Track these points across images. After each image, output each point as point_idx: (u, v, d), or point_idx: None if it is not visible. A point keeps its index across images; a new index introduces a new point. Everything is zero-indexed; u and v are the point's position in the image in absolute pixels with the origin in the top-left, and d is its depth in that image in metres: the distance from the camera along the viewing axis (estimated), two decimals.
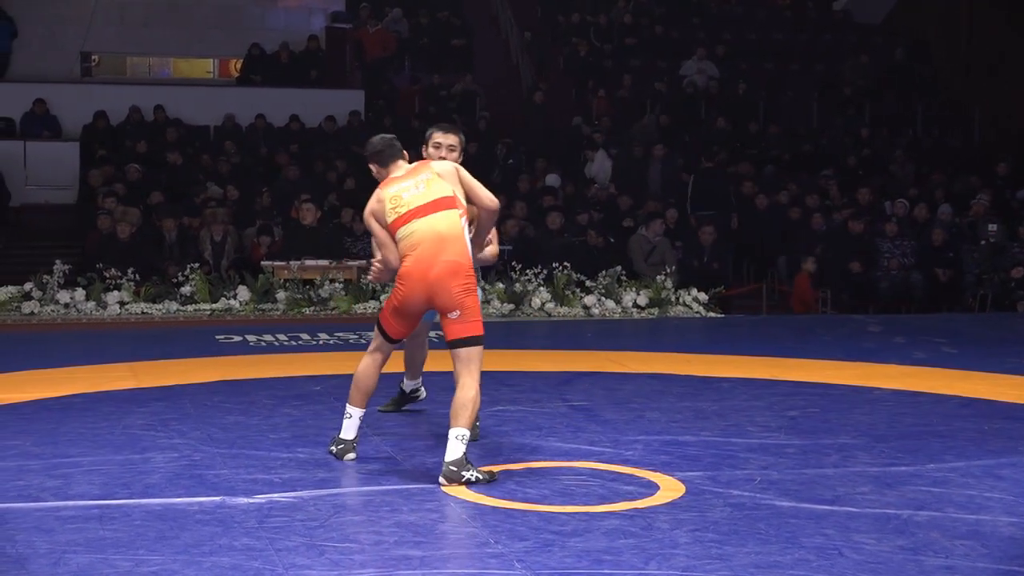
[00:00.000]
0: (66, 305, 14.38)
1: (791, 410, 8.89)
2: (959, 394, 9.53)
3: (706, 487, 6.73)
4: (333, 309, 14.61)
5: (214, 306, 14.65)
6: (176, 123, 20.78)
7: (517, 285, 14.76)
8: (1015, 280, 16.55)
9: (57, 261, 14.82)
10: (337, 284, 14.82)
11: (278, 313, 14.57)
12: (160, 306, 14.51)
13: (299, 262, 15.10)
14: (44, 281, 14.59)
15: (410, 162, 7.49)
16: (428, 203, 7.17)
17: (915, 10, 26.17)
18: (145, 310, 14.48)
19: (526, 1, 25.36)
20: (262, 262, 15.32)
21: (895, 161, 21.03)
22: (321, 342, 12.32)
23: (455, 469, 6.76)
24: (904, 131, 22.89)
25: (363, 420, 7.48)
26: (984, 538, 5.89)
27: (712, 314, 15.03)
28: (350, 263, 15.31)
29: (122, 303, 14.51)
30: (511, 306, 14.63)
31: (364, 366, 7.50)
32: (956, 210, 18.68)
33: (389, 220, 7.22)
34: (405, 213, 7.17)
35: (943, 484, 6.83)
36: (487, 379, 10.01)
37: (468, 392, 7.06)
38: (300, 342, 12.33)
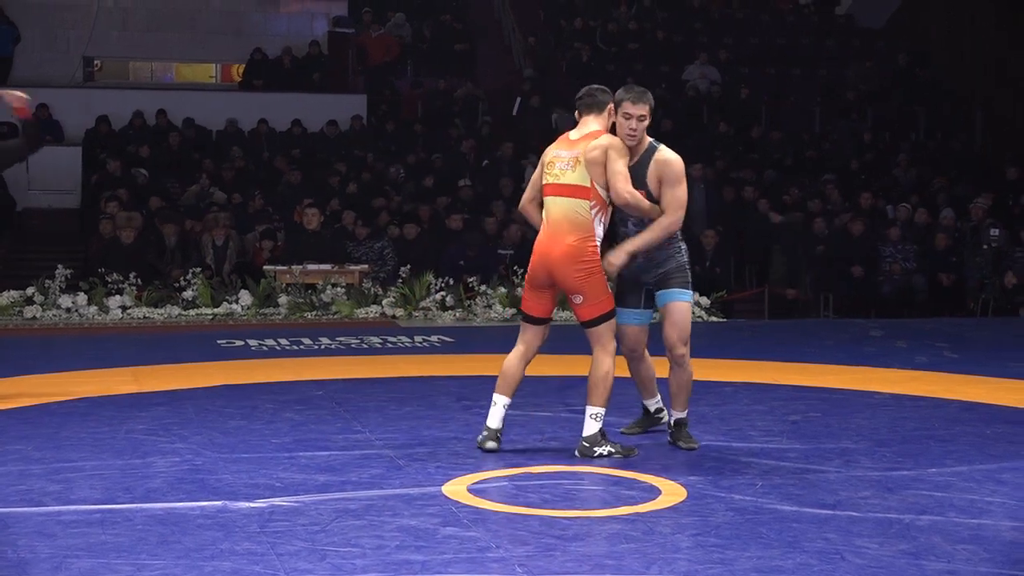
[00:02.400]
0: (68, 310, 14.39)
1: (793, 414, 8.90)
2: (960, 398, 9.53)
3: (708, 491, 6.73)
4: (335, 314, 14.61)
5: (216, 310, 14.66)
6: (178, 128, 20.79)
7: (519, 289, 14.76)
8: (1013, 286, 16.55)
9: (59, 266, 14.83)
10: (339, 288, 14.82)
11: (280, 317, 14.58)
12: (162, 310, 14.52)
13: (301, 266, 15.11)
14: (46, 286, 14.60)
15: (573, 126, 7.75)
16: (563, 186, 7.37)
17: (918, 14, 26.18)
18: (147, 314, 14.49)
19: (529, 6, 25.37)
20: (264, 266, 15.33)
21: (898, 165, 21.04)
22: (323, 347, 12.32)
23: (588, 445, 7.24)
24: (907, 135, 22.90)
25: (508, 409, 7.65)
26: (986, 542, 5.88)
27: (714, 318, 15.03)
28: (352, 267, 15.32)
29: (124, 307, 14.52)
30: (513, 310, 14.63)
31: (510, 355, 7.67)
32: (958, 214, 18.68)
33: (543, 181, 7.48)
34: (548, 185, 7.47)
35: (945, 488, 6.83)
36: (490, 383, 10.03)
37: (600, 368, 7.42)
38: (302, 346, 12.33)
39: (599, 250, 7.41)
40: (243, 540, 5.82)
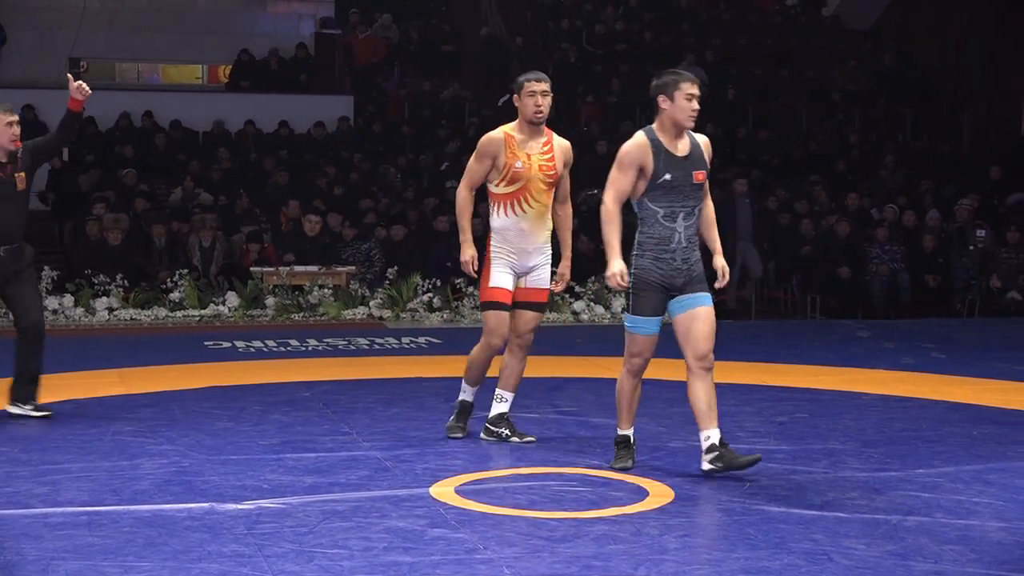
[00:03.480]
0: (55, 311, 14.35)
1: (780, 415, 8.91)
2: (947, 399, 9.55)
3: (695, 492, 6.73)
4: (322, 315, 14.60)
5: (203, 312, 14.64)
6: (165, 129, 20.74)
7: None
8: (996, 288, 16.58)
9: (45, 267, 14.80)
10: (326, 290, 14.81)
11: (267, 319, 14.56)
12: (149, 312, 14.49)
13: (288, 268, 15.09)
14: None
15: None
16: None
17: (904, 16, 26.22)
18: (134, 316, 14.46)
19: (516, 7, 25.36)
20: (251, 268, 15.31)
21: (885, 166, 21.06)
22: (310, 348, 12.31)
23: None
24: (893, 136, 22.92)
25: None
26: (973, 543, 5.89)
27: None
28: (339, 269, 15.30)
29: (111, 309, 14.49)
30: None
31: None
32: (944, 215, 18.70)
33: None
34: None
35: (932, 489, 6.84)
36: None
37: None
38: (289, 348, 12.32)
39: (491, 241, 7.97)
40: (230, 542, 5.82)
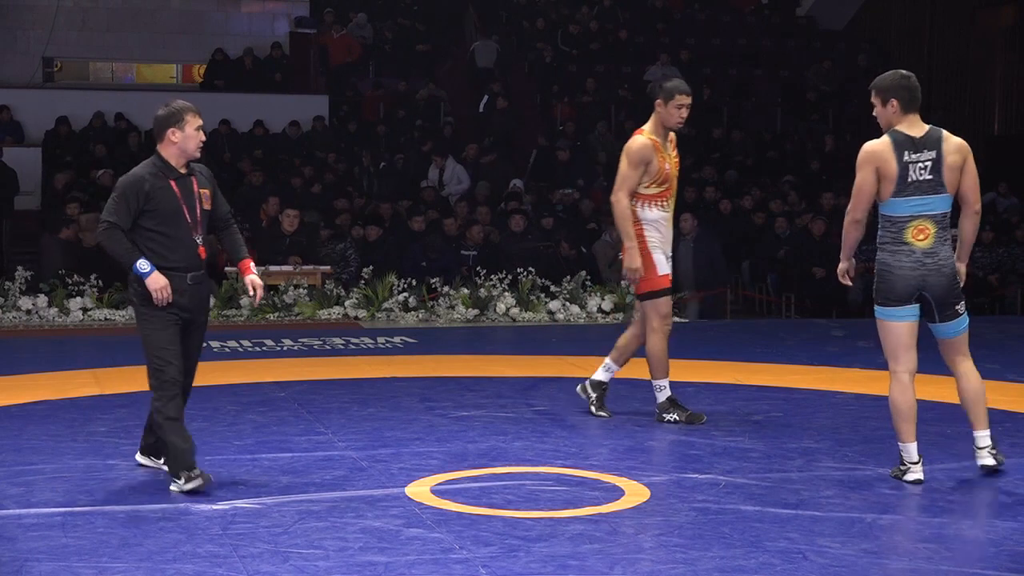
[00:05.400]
0: (28, 312, 14.30)
1: (755, 414, 8.92)
2: (923, 398, 9.50)
3: (670, 491, 6.74)
4: (298, 315, 14.58)
5: None
6: (138, 128, 20.67)
7: (482, 290, 14.76)
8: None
9: (19, 267, 14.74)
10: (301, 290, 14.78)
11: (242, 319, 14.53)
12: (123, 312, 14.43)
13: (263, 268, 15.05)
14: (6, 287, 14.50)
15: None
16: None
17: (878, 16, 26.32)
18: (108, 316, 14.41)
19: (492, 6, 25.35)
20: (226, 268, 15.26)
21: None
22: (286, 348, 12.29)
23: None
24: (868, 136, 22.90)
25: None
26: (948, 541, 5.92)
27: (676, 319, 15.05)
28: (314, 269, 15.27)
29: (85, 309, 14.44)
30: (476, 311, 14.63)
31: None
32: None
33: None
34: None
35: (906, 488, 6.86)
36: (453, 384, 10.03)
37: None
38: (264, 348, 12.29)
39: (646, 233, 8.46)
40: (205, 542, 5.80)
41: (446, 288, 14.86)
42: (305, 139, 21.16)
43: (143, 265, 6.72)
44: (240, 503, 6.46)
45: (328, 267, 15.49)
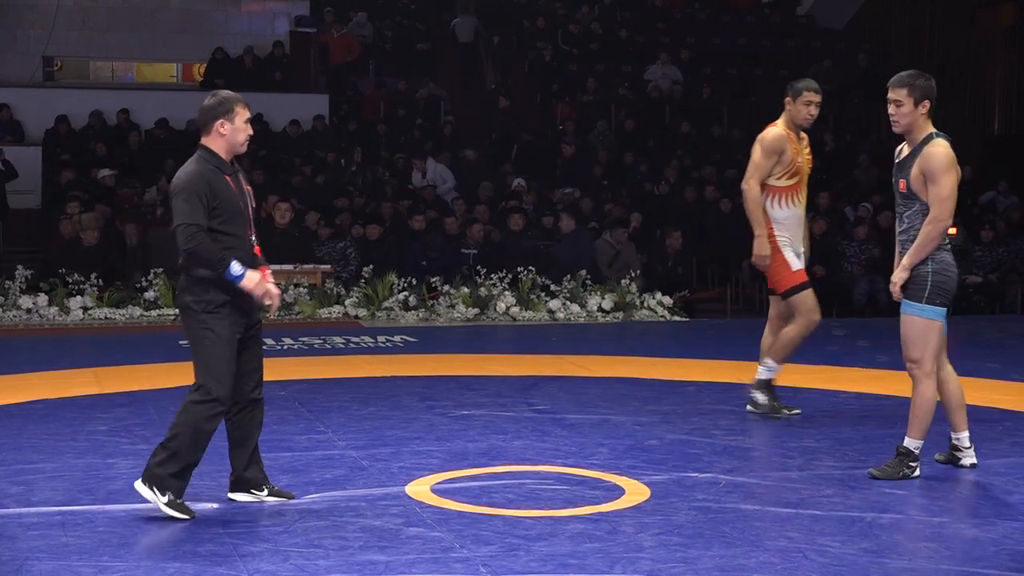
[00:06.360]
0: (28, 310, 14.29)
1: (755, 413, 8.91)
2: None
3: (671, 490, 6.74)
4: (298, 314, 14.57)
5: (178, 311, 14.57)
6: (138, 127, 20.67)
7: (482, 289, 14.76)
8: (972, 287, 16.67)
9: (19, 266, 14.74)
10: (302, 289, 14.78)
11: None
12: (123, 311, 14.43)
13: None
14: (6, 286, 14.50)
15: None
16: None
17: (878, 15, 26.31)
18: (108, 315, 14.40)
19: (492, 5, 25.35)
20: None
21: (858, 166, 21.12)
22: (286, 347, 12.28)
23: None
24: (867, 136, 22.99)
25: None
26: (947, 540, 5.92)
27: (676, 318, 15.06)
28: (315, 268, 15.27)
29: (85, 308, 14.43)
30: (476, 310, 14.63)
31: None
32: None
33: None
34: None
35: (906, 487, 6.87)
36: (453, 383, 10.03)
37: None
38: (264, 347, 12.26)
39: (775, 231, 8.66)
40: (206, 541, 5.80)
41: (446, 287, 14.86)
42: (305, 138, 21.15)
43: (236, 268, 6.20)
44: (240, 502, 6.46)
45: (328, 266, 15.48)
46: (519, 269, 14.95)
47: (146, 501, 6.22)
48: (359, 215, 17.53)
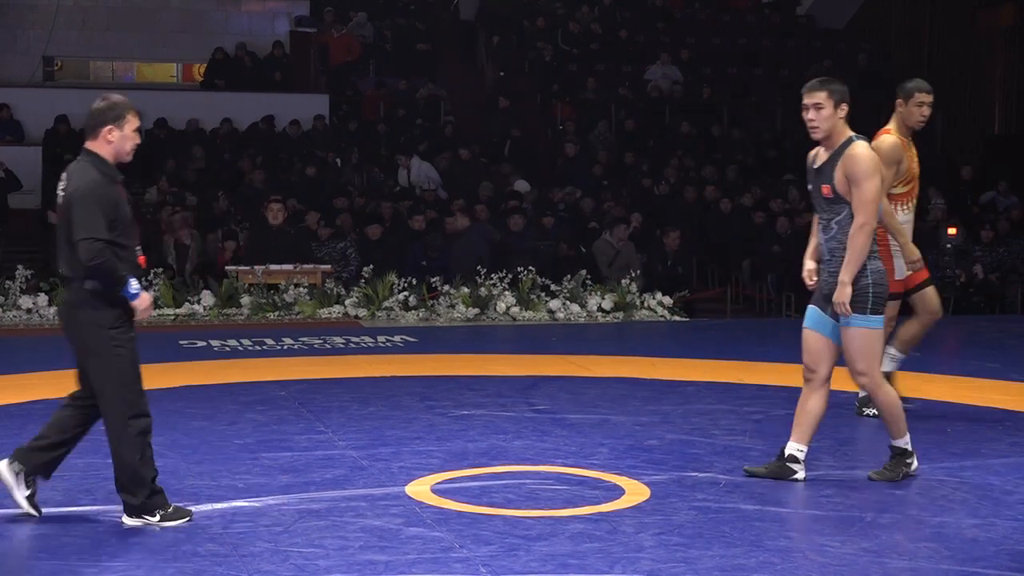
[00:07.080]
0: (28, 311, 14.29)
1: (756, 413, 8.92)
2: (921, 397, 9.57)
3: (671, 490, 6.74)
4: (298, 314, 14.57)
5: (178, 311, 14.58)
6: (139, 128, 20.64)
7: (482, 289, 14.75)
8: (975, 283, 16.67)
9: (19, 266, 14.74)
10: (302, 289, 14.78)
11: (242, 318, 14.52)
12: None
13: (264, 267, 15.03)
14: (6, 286, 14.50)
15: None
16: None
17: (878, 15, 26.31)
18: None
19: (492, 5, 25.35)
20: (226, 267, 15.26)
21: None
22: (286, 347, 12.28)
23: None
24: (867, 135, 22.96)
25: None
26: (947, 540, 5.92)
27: (677, 318, 15.05)
28: (315, 268, 15.26)
29: None
30: (476, 310, 14.62)
31: None
32: (917, 214, 18.74)
33: None
34: None
35: (906, 487, 6.87)
36: (453, 383, 10.03)
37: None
38: (265, 347, 12.29)
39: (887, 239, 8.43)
40: (206, 541, 5.80)
41: (446, 287, 14.86)
42: (305, 138, 21.15)
43: (134, 286, 6.08)
44: (240, 502, 6.47)
45: (328, 266, 15.48)
46: (519, 269, 14.94)
47: None
48: (359, 215, 17.53)
